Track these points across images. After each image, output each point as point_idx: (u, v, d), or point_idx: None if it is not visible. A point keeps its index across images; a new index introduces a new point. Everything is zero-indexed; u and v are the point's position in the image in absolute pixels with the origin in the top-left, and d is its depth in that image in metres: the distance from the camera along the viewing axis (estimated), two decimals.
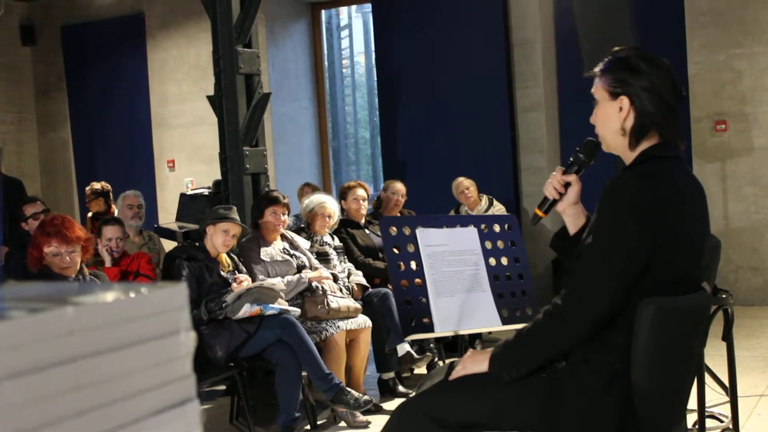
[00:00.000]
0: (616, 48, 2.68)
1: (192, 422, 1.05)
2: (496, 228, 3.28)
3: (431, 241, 3.10)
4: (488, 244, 3.23)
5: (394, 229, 3.15)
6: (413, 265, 3.10)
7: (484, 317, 3.08)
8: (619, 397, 2.44)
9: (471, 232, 3.20)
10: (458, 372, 2.68)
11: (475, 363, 2.65)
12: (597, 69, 2.67)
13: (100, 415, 0.94)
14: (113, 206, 8.70)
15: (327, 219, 6.20)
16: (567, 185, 2.79)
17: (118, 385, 0.97)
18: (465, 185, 8.35)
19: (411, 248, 3.11)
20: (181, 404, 1.04)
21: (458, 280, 3.09)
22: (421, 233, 3.11)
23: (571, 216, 2.83)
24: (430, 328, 2.98)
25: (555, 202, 2.81)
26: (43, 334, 0.88)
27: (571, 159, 2.80)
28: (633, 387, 2.44)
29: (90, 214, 9.18)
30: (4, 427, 0.84)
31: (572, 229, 2.84)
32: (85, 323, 0.93)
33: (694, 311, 2.56)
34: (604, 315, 2.45)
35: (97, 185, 8.98)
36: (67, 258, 4.69)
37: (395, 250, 3.10)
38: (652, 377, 2.45)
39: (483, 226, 3.26)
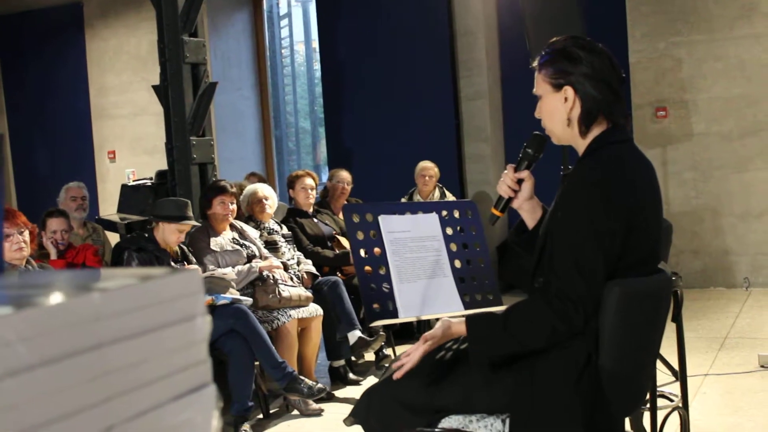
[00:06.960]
0: (552, 39, 2.69)
1: (209, 406, 1.05)
2: (456, 214, 3.31)
3: (394, 227, 3.11)
4: (449, 230, 3.25)
5: (357, 216, 3.16)
6: (376, 251, 3.11)
7: (446, 302, 3.10)
8: (590, 381, 2.46)
9: (432, 219, 3.22)
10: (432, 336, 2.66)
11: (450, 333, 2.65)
12: (535, 63, 2.69)
13: (126, 401, 0.95)
14: None
15: (265, 202, 6.19)
16: (520, 182, 2.80)
17: (141, 370, 0.97)
18: (430, 173, 8.18)
19: (373, 235, 3.12)
20: (199, 389, 1.04)
21: (421, 266, 3.11)
22: (384, 220, 3.12)
23: (528, 211, 2.85)
24: (394, 313, 2.99)
25: (510, 199, 2.83)
26: (71, 320, 0.88)
27: (521, 155, 2.81)
28: (600, 368, 2.47)
29: None
30: (38, 415, 0.84)
31: (530, 223, 2.86)
32: (110, 309, 0.92)
33: (657, 292, 2.61)
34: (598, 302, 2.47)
35: None
36: (20, 237, 4.57)
37: (358, 237, 3.10)
38: (618, 358, 2.48)
39: (444, 212, 3.28)
